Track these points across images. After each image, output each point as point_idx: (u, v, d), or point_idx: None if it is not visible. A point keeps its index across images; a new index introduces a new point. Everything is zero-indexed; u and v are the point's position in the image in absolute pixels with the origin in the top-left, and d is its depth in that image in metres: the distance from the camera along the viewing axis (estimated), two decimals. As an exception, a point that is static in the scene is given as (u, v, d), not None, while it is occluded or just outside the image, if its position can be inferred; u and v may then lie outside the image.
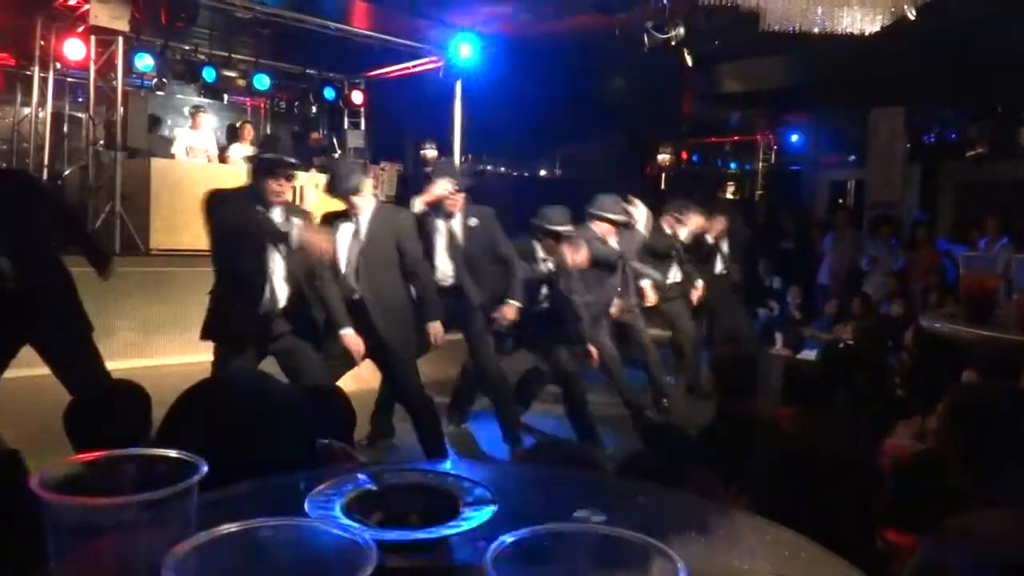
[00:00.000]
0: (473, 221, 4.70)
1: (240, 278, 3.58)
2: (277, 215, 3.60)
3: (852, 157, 12.71)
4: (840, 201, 12.52)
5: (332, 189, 4.08)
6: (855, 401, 3.22)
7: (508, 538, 0.55)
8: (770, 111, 12.78)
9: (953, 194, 11.81)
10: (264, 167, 3.55)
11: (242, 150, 9.13)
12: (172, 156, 8.75)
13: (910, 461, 2.29)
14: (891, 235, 8.90)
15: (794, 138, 13.69)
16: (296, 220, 3.63)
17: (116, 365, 4.51)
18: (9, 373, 5.84)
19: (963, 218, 10.67)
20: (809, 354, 7.86)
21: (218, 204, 3.53)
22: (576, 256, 4.87)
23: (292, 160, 3.63)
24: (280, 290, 3.67)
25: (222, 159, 9.17)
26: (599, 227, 5.36)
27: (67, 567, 0.65)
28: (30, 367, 6.15)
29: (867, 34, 6.05)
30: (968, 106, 11.05)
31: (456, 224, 4.73)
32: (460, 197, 4.63)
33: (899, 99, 9.92)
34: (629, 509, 1.04)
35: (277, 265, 3.64)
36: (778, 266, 9.49)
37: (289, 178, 3.62)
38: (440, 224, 4.71)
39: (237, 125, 10.13)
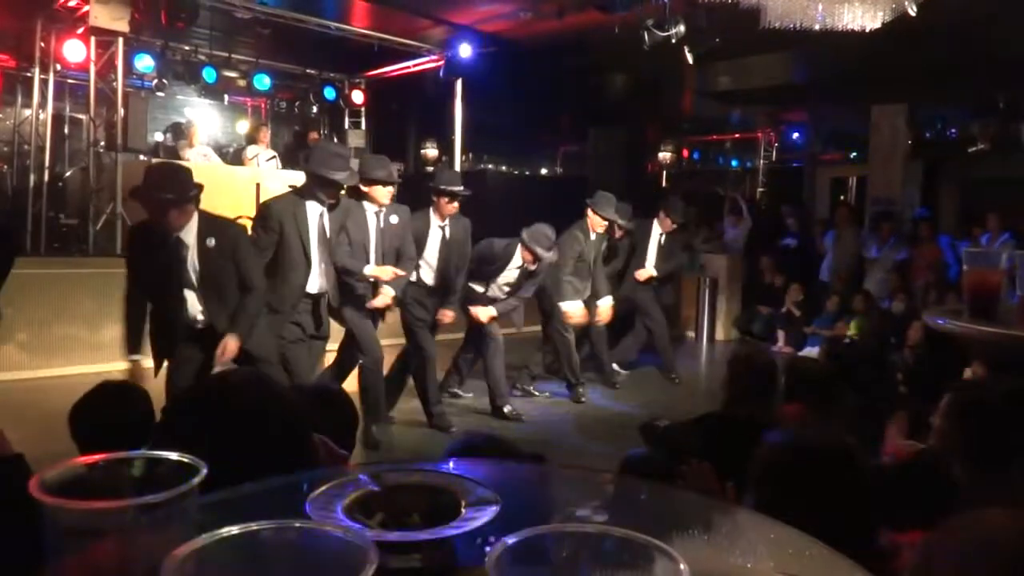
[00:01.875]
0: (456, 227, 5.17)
1: None
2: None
3: (853, 154, 12.70)
4: (842, 198, 12.50)
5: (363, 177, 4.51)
6: (858, 398, 3.21)
7: (510, 539, 0.55)
8: (771, 108, 12.77)
9: (955, 190, 11.80)
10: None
11: (258, 151, 9.17)
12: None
13: (910, 459, 2.29)
14: (892, 233, 8.89)
15: (795, 135, 13.68)
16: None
17: (119, 366, 4.52)
18: (11, 375, 5.86)
19: (965, 214, 10.66)
20: (811, 351, 7.86)
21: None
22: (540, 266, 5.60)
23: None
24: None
25: (239, 160, 9.19)
26: (593, 221, 6.18)
27: (67, 570, 0.65)
28: (32, 369, 6.21)
29: (868, 30, 6.05)
30: (970, 102, 11.04)
31: (447, 229, 5.11)
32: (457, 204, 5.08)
33: (901, 95, 9.90)
34: (631, 509, 1.04)
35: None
36: (780, 264, 9.48)
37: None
38: (434, 228, 5.08)
39: (254, 128, 10.13)
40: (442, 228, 5.12)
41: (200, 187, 3.52)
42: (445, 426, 5.24)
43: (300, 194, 4.27)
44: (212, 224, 3.56)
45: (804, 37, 6.31)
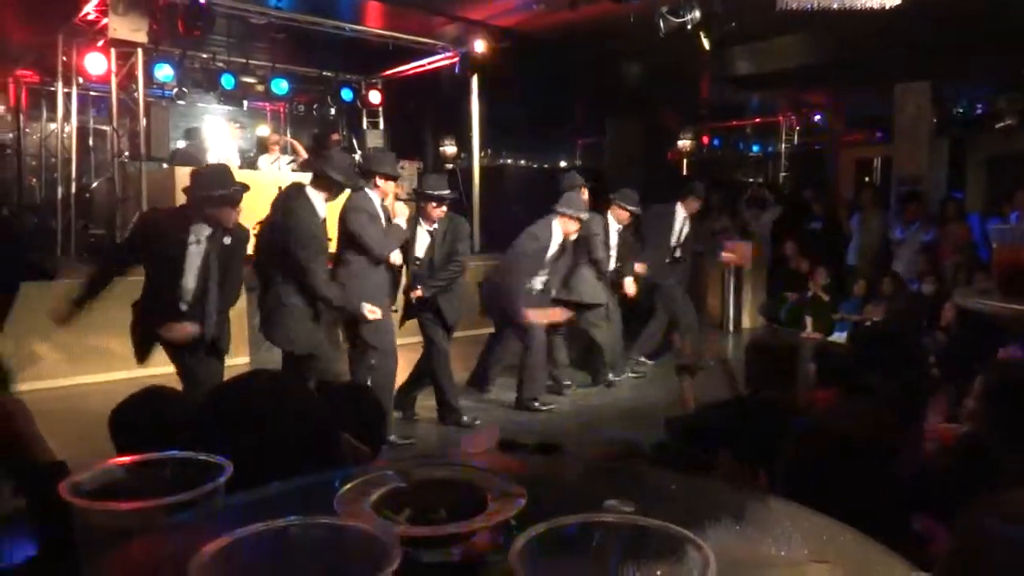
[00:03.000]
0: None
1: None
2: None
3: (878, 134, 12.50)
4: (866, 180, 12.32)
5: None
6: (889, 382, 3.16)
7: (535, 530, 0.54)
8: (791, 91, 12.60)
9: (982, 168, 11.56)
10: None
11: (274, 159, 9.22)
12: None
13: (954, 444, 2.25)
14: (919, 213, 8.73)
15: (816, 118, 13.50)
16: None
17: (154, 372, 4.59)
18: (47, 383, 5.97)
19: (993, 192, 10.45)
20: (840, 336, 7.76)
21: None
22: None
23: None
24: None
25: (253, 166, 9.27)
26: (620, 214, 6.34)
27: (99, 570, 0.66)
28: (67, 377, 6.32)
29: (887, 7, 5.94)
30: (996, 78, 10.81)
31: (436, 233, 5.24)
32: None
33: (925, 73, 9.71)
34: (659, 498, 1.03)
35: None
36: (805, 248, 9.37)
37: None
38: (422, 232, 5.23)
39: (266, 135, 10.20)
40: (430, 232, 5.17)
41: (246, 187, 3.87)
42: (456, 421, 5.28)
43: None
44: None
45: (823, 17, 6.22)
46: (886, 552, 0.87)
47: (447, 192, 5.15)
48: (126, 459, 0.72)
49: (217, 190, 3.71)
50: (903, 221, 8.75)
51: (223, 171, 4.01)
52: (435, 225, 5.16)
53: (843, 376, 3.03)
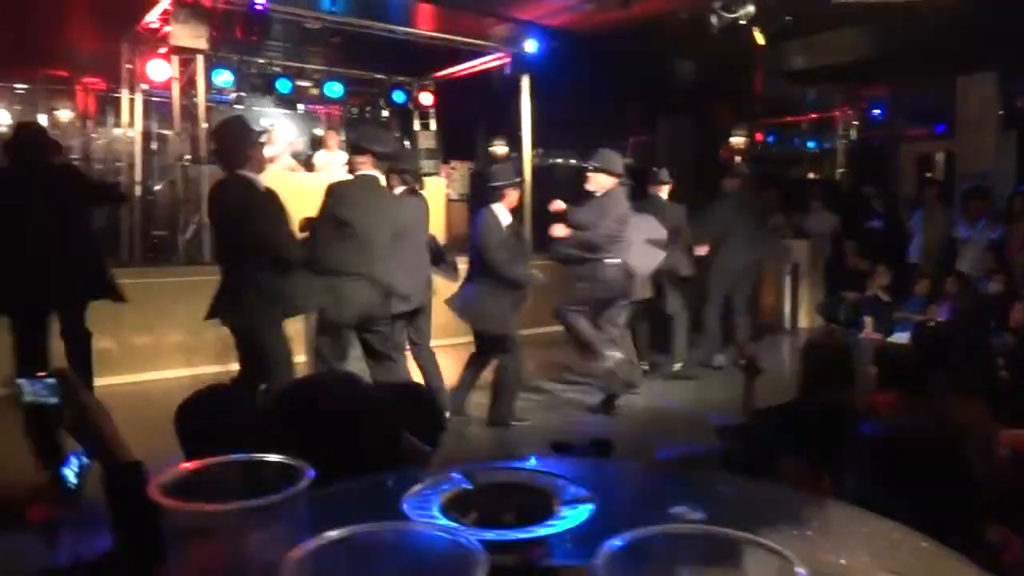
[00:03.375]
0: None
1: None
2: None
3: (940, 128, 12.10)
4: (929, 175, 11.93)
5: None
6: (958, 385, 3.07)
7: (620, 539, 0.54)
8: (848, 86, 12.29)
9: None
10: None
11: (331, 156, 9.38)
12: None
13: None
14: (984, 210, 8.42)
15: (876, 112, 13.13)
16: None
17: (216, 369, 4.74)
18: (113, 379, 6.16)
19: (1066, 186, 10.02)
20: (901, 337, 7.54)
21: None
22: None
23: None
24: None
25: (308, 167, 9.43)
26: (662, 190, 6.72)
27: (180, 570, 0.68)
28: (132, 373, 6.54)
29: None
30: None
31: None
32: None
33: (989, 63, 9.37)
34: (725, 505, 1.02)
35: None
36: (864, 247, 9.12)
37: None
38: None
39: (322, 133, 10.37)
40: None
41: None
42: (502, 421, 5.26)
43: None
44: None
45: (881, 8, 6.05)
46: (959, 560, 0.85)
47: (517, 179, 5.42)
48: (208, 460, 0.75)
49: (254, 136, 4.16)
50: (968, 218, 8.45)
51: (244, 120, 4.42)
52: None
53: (906, 379, 2.95)
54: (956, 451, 1.54)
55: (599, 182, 5.38)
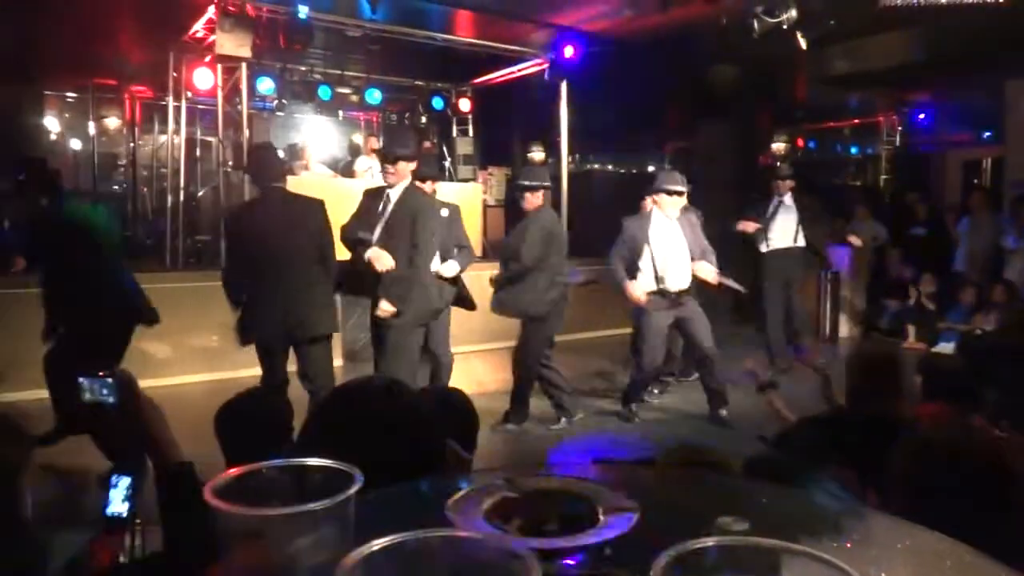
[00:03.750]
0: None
1: None
2: None
3: (987, 134, 11.81)
4: (975, 182, 11.65)
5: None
6: (1006, 397, 2.99)
7: (677, 550, 0.54)
8: (892, 91, 12.05)
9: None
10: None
11: (371, 163, 9.48)
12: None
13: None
14: (1034, 216, 8.20)
15: (920, 117, 12.86)
16: None
17: (253, 372, 4.81)
18: (155, 381, 6.29)
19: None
20: (946, 347, 7.37)
21: None
22: None
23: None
24: None
25: (349, 173, 9.54)
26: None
27: (232, 570, 0.70)
28: (173, 376, 6.67)
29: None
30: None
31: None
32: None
33: (1039, 68, 9.13)
34: (770, 515, 1.01)
35: None
36: (908, 255, 8.94)
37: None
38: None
39: (362, 139, 10.48)
40: None
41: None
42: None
43: None
44: None
45: (926, 12, 5.94)
46: (1009, 574, 0.83)
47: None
48: (258, 464, 0.76)
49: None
50: (1017, 227, 8.23)
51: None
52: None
53: (954, 390, 2.88)
54: (1004, 465, 1.51)
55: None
